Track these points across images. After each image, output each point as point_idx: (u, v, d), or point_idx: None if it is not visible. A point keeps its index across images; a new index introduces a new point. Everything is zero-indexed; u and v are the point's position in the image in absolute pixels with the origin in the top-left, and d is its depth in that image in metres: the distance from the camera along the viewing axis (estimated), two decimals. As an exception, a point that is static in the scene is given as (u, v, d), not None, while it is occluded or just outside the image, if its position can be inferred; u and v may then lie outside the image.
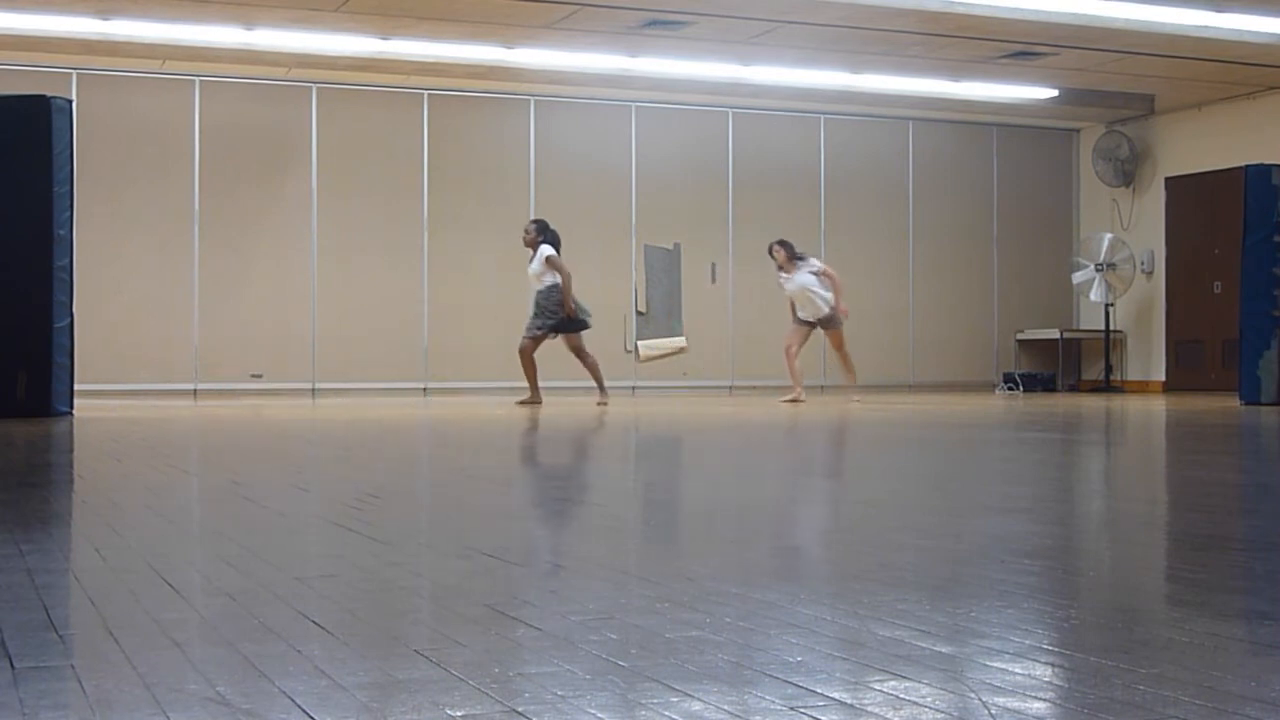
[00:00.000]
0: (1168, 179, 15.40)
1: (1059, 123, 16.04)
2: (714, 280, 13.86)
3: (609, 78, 13.19)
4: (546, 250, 11.08)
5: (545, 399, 11.47)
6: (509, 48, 12.16)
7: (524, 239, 11.26)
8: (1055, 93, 14.19)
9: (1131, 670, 1.67)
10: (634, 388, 14.33)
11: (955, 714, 1.50)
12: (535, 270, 11.12)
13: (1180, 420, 9.02)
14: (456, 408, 10.59)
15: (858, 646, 1.83)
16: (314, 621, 2.00)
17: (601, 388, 11.41)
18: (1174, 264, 15.39)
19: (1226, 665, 1.72)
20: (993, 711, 1.49)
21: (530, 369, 11.23)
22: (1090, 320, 16.13)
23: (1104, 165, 15.70)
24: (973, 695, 1.57)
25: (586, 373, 11.39)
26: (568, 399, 12.70)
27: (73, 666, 1.71)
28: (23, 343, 8.58)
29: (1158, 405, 11.47)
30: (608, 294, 14.28)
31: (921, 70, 13.20)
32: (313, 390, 13.32)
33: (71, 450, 6.02)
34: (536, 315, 11.12)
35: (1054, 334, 15.89)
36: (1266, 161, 11.80)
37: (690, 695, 1.57)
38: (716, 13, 11.04)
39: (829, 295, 11.98)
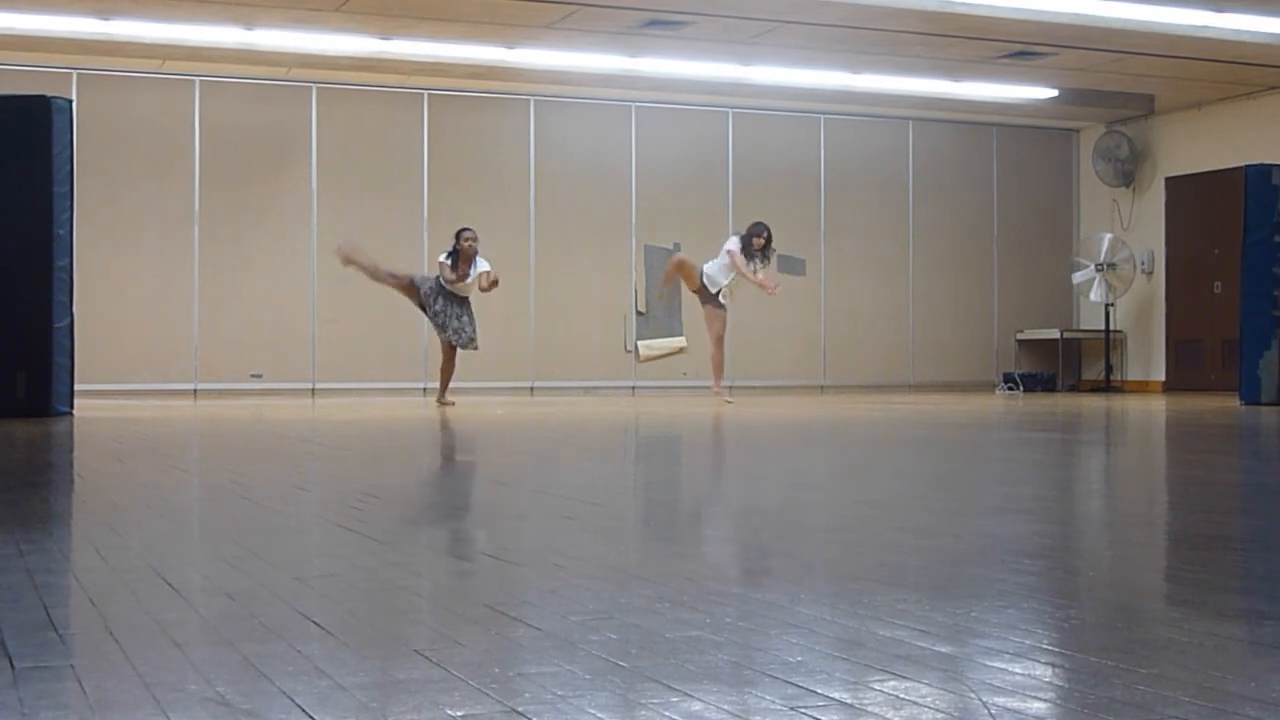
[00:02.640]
0: (1168, 179, 15.40)
1: (1059, 123, 16.03)
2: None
3: (609, 78, 13.18)
4: (486, 265, 11.09)
5: (559, 400, 11.44)
6: (509, 48, 12.16)
7: (474, 247, 11.08)
8: (1055, 93, 14.18)
9: (1131, 670, 1.67)
10: (634, 387, 14.33)
11: (955, 714, 1.50)
12: (470, 280, 11.09)
13: (1180, 420, 9.02)
14: (456, 407, 10.59)
15: (858, 646, 1.83)
16: (314, 621, 2.00)
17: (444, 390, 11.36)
18: (1174, 264, 15.39)
19: (1226, 665, 1.72)
20: (993, 711, 1.49)
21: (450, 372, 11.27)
22: (1090, 320, 16.12)
23: (1104, 165, 15.69)
24: (973, 695, 1.57)
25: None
26: (566, 398, 12.69)
27: (73, 666, 1.71)
28: (23, 343, 8.58)
29: (1158, 405, 11.46)
30: (608, 294, 14.30)
31: (921, 70, 13.19)
32: (312, 390, 13.32)
33: (72, 450, 6.02)
34: (468, 319, 11.10)
35: (1054, 334, 15.88)
36: (1266, 161, 11.79)
37: (690, 695, 1.57)
38: (716, 13, 11.03)
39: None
